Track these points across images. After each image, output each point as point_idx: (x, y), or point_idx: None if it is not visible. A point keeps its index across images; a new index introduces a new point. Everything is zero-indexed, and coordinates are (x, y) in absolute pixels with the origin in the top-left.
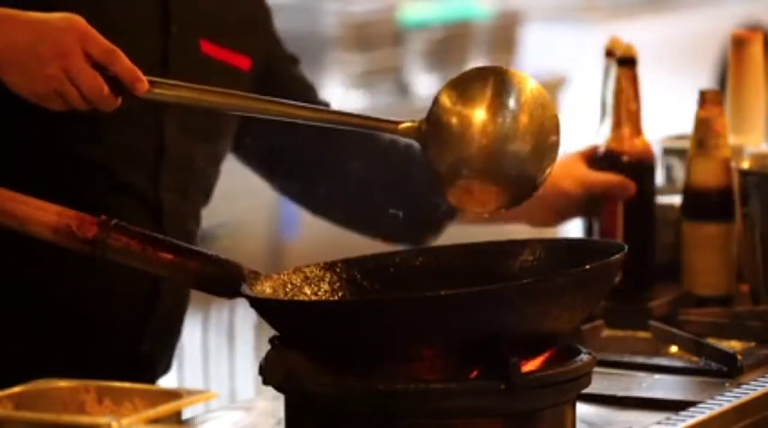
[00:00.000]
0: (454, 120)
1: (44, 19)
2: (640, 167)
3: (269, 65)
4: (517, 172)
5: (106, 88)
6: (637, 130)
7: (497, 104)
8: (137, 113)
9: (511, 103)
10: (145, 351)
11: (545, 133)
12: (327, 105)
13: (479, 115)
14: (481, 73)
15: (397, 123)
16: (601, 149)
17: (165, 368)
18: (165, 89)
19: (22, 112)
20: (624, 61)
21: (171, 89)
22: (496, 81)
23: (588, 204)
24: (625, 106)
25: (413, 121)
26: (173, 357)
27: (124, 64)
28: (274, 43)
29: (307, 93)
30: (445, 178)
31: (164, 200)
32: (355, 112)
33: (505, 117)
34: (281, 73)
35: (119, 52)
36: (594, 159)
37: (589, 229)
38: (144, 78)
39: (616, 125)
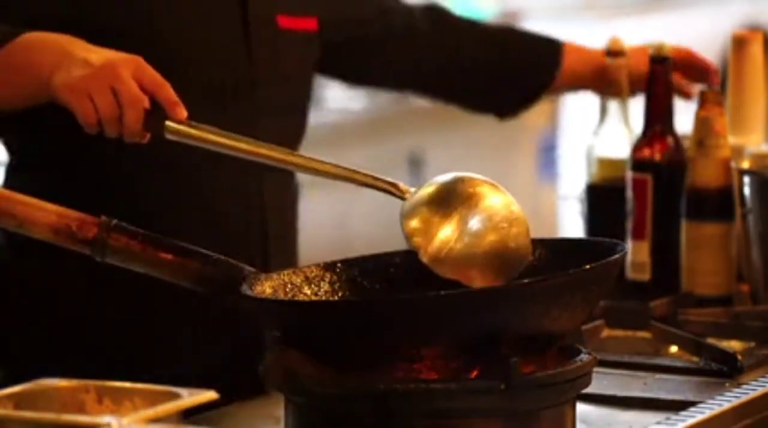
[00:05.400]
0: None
1: (103, 55)
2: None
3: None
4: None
5: (141, 118)
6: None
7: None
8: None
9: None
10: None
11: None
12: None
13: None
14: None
15: (403, 190)
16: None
17: None
18: (192, 129)
19: None
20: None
21: (197, 130)
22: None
23: None
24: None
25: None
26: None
27: (170, 91)
28: None
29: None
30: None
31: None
32: (366, 172)
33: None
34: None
35: (168, 84)
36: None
37: (590, 229)
38: (184, 108)
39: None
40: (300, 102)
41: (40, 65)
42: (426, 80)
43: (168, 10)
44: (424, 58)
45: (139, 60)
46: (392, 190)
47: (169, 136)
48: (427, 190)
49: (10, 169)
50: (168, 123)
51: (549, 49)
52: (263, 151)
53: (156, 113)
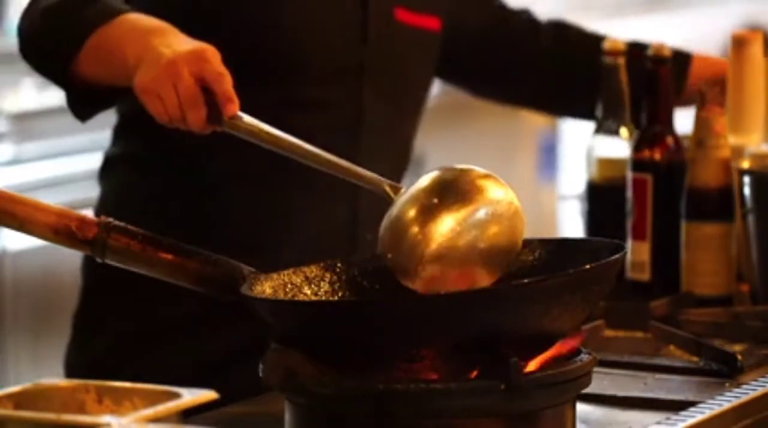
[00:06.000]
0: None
1: (174, 49)
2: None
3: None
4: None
5: (203, 116)
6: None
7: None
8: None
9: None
10: None
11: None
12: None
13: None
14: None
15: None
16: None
17: None
18: (243, 124)
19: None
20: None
21: (248, 126)
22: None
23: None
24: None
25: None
26: None
27: (225, 85)
28: None
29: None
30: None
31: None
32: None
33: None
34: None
35: (227, 76)
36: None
37: (590, 229)
38: (237, 103)
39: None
40: (410, 96)
41: (125, 58)
42: (545, 94)
43: None
44: (542, 73)
45: (203, 52)
46: (387, 191)
47: (227, 130)
48: (414, 192)
49: (113, 133)
50: (225, 117)
51: (676, 63)
52: (302, 151)
53: (217, 106)
